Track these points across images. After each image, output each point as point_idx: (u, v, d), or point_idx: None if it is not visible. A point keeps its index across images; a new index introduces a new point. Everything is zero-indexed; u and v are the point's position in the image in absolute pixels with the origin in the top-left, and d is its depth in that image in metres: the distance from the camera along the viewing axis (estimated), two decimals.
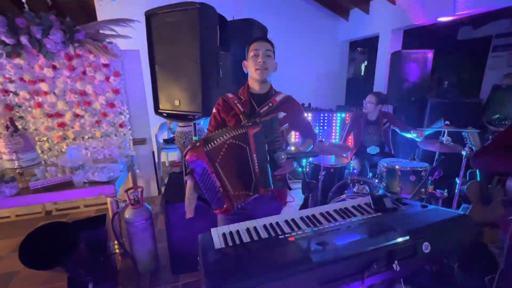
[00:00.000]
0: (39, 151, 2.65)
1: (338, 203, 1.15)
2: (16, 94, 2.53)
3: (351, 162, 3.00)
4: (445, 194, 2.05)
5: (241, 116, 1.26)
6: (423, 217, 0.94)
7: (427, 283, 1.78)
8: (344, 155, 2.96)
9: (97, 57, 2.62)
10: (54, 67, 2.55)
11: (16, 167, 1.96)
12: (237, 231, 0.93)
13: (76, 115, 2.72)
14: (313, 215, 1.04)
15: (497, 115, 3.28)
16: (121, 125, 2.89)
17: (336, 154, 2.66)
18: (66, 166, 2.05)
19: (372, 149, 2.86)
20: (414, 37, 4.20)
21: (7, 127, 1.99)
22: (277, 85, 1.39)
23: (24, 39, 2.29)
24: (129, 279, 2.00)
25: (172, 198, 1.95)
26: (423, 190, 2.13)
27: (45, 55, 2.43)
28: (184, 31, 1.63)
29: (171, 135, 4.05)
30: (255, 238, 0.88)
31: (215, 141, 1.05)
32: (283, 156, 1.11)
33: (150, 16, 1.76)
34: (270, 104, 1.28)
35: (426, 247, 0.79)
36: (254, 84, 1.31)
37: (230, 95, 1.33)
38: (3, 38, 2.25)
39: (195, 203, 1.16)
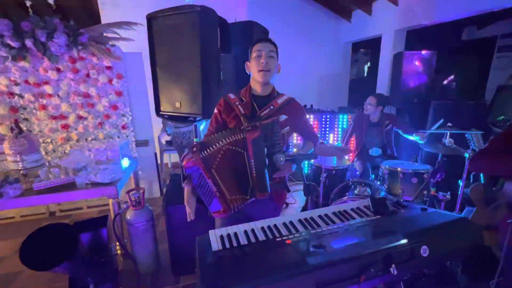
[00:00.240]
0: (43, 153, 2.69)
1: (337, 205, 1.14)
2: (21, 96, 2.57)
3: (354, 163, 2.98)
4: (447, 196, 2.03)
5: (241, 118, 1.26)
6: (422, 220, 0.93)
7: (429, 287, 1.76)
8: (346, 157, 2.94)
9: (100, 59, 2.66)
10: (58, 70, 2.59)
11: (20, 168, 1.99)
12: (235, 233, 0.93)
13: (80, 117, 2.76)
14: (312, 218, 1.03)
15: (502, 117, 3.24)
16: (123, 127, 2.92)
17: (337, 156, 2.65)
18: (69, 168, 2.07)
19: (374, 151, 2.85)
20: (417, 38, 4.18)
21: (11, 129, 2.02)
22: (280, 86, 1.38)
23: (29, 43, 2.33)
24: (130, 280, 2.01)
25: (173, 200, 1.96)
26: (425, 192, 2.10)
27: (49, 58, 2.47)
28: (185, 34, 1.64)
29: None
30: (253, 240, 0.88)
31: (211, 147, 1.05)
32: (281, 159, 1.11)
33: (151, 19, 1.78)
34: (271, 107, 1.27)
35: (424, 251, 0.79)
36: (256, 86, 1.31)
37: (232, 96, 1.33)
38: (9, 42, 2.29)
39: (195, 206, 1.17)
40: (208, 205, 1.11)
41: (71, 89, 2.68)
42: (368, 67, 6.54)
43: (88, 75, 2.69)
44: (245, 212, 1.27)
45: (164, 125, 3.32)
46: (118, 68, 2.76)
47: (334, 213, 1.07)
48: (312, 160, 2.94)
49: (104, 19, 3.75)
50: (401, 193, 2.18)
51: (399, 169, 2.20)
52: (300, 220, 1.02)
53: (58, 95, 2.66)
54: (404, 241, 0.79)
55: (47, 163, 2.54)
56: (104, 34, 2.65)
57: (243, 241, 0.88)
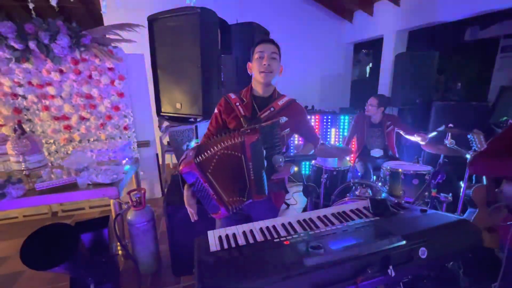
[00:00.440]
0: (46, 153, 2.72)
1: (337, 206, 1.14)
2: (24, 97, 2.60)
3: (355, 164, 2.97)
4: (449, 198, 2.01)
5: (241, 119, 1.25)
6: (421, 222, 0.93)
7: None
8: (348, 158, 2.94)
9: (103, 61, 2.68)
10: (61, 71, 2.61)
11: (23, 169, 2.00)
12: (234, 234, 0.93)
13: (82, 118, 2.78)
14: (310, 219, 1.03)
15: (505, 118, 3.21)
16: (125, 128, 2.94)
17: (337, 156, 2.64)
18: (71, 168, 2.09)
19: (376, 152, 2.83)
20: (420, 38, 4.16)
21: (14, 130, 2.04)
22: (281, 87, 1.37)
23: (32, 44, 2.35)
24: (131, 280, 2.02)
25: (174, 200, 1.97)
26: (426, 194, 2.09)
27: (52, 60, 2.50)
28: (185, 35, 1.66)
29: None
30: (251, 241, 0.88)
31: (207, 152, 1.05)
32: (280, 160, 1.11)
33: (152, 21, 1.79)
34: (272, 109, 1.26)
35: (422, 253, 0.78)
36: (257, 87, 1.29)
37: (232, 96, 1.32)
38: (12, 44, 2.32)
39: (195, 208, 1.18)
40: (206, 207, 1.12)
41: (73, 90, 2.70)
42: (370, 68, 6.52)
43: (90, 77, 2.71)
44: (244, 211, 1.27)
45: (160, 123, 3.32)
46: (120, 70, 2.78)
47: (333, 214, 1.06)
48: (313, 161, 2.94)
49: (107, 21, 3.78)
50: (402, 194, 2.17)
51: (400, 170, 2.19)
52: (298, 221, 1.02)
53: (61, 96, 2.69)
54: (402, 242, 0.78)
55: (49, 164, 2.56)
56: (107, 36, 2.67)
57: (242, 242, 0.88)
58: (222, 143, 1.06)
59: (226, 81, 1.92)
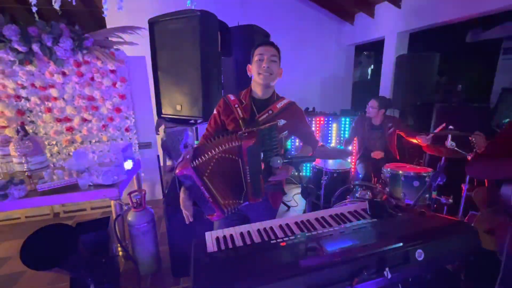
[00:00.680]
0: (48, 155, 2.74)
1: (335, 208, 1.14)
2: (27, 99, 2.63)
3: (356, 166, 2.97)
4: (450, 200, 2.00)
5: (240, 121, 1.26)
6: (418, 224, 0.93)
7: None
8: (349, 159, 2.93)
9: (105, 63, 2.71)
10: (63, 74, 2.64)
11: (25, 170, 2.03)
12: (231, 235, 0.94)
13: (84, 120, 2.81)
14: (308, 220, 1.04)
15: (507, 120, 3.19)
16: (127, 129, 2.96)
17: (336, 158, 2.63)
18: (72, 169, 2.11)
19: (377, 154, 2.83)
20: (421, 40, 4.16)
21: (17, 131, 2.07)
22: (283, 89, 1.37)
23: (35, 47, 2.39)
24: (131, 281, 2.02)
25: (174, 202, 1.97)
26: (427, 196, 2.08)
27: (55, 62, 2.53)
28: (185, 38, 1.67)
29: None
30: (248, 242, 0.89)
31: (204, 156, 1.05)
32: (278, 161, 1.11)
33: (153, 23, 1.81)
34: (270, 112, 1.27)
35: (419, 255, 0.78)
36: (257, 88, 1.30)
37: (232, 97, 1.32)
38: (16, 46, 2.35)
39: (191, 210, 1.17)
40: (202, 208, 1.12)
41: (76, 92, 2.73)
42: (372, 70, 6.52)
43: (92, 79, 2.74)
44: (241, 213, 1.27)
45: (157, 125, 3.33)
46: (121, 72, 2.81)
47: (330, 216, 1.07)
48: (313, 163, 2.94)
49: (109, 24, 3.82)
50: (403, 196, 2.16)
51: (400, 172, 2.18)
52: (296, 223, 1.02)
53: (63, 98, 2.71)
54: (398, 244, 0.78)
55: (52, 165, 2.59)
56: (109, 39, 2.70)
57: (239, 243, 0.88)
58: (219, 147, 1.06)
59: (226, 83, 1.93)
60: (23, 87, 2.59)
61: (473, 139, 1.94)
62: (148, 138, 3.21)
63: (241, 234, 0.95)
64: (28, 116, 2.67)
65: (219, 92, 1.85)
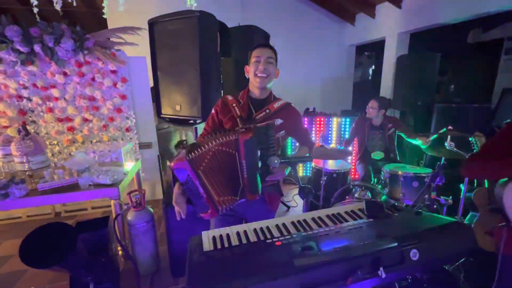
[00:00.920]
0: (50, 154, 2.77)
1: (332, 208, 1.14)
2: (29, 99, 2.65)
3: (356, 166, 2.96)
4: (449, 201, 1.99)
5: (237, 119, 1.28)
6: (414, 224, 0.93)
7: None
8: (349, 160, 2.93)
9: (105, 63, 2.72)
10: (65, 74, 2.66)
11: (26, 169, 2.04)
12: (227, 234, 0.94)
13: (85, 120, 2.83)
14: (304, 220, 1.04)
15: (508, 120, 3.17)
16: (127, 129, 2.98)
17: (337, 158, 2.63)
18: (73, 169, 2.12)
19: (377, 154, 2.82)
20: (422, 40, 4.15)
21: (19, 131, 2.09)
22: (283, 89, 1.39)
23: (37, 47, 2.41)
24: (131, 280, 2.03)
25: None
26: (426, 196, 2.07)
27: (56, 62, 2.55)
28: (185, 38, 1.68)
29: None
30: (244, 241, 0.89)
31: (200, 149, 1.05)
32: (276, 161, 1.12)
33: (152, 24, 1.82)
34: (267, 111, 1.29)
35: (414, 255, 0.78)
36: (254, 89, 1.33)
37: (229, 97, 1.35)
38: (18, 47, 2.38)
39: (185, 206, 1.17)
40: (195, 205, 1.12)
41: (77, 92, 2.75)
42: (373, 70, 6.50)
43: (93, 79, 2.76)
44: (238, 213, 1.28)
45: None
46: (122, 72, 2.83)
47: (327, 216, 1.07)
48: (313, 163, 2.94)
49: (110, 25, 3.84)
50: (402, 197, 2.16)
51: (400, 172, 2.18)
52: (292, 222, 1.02)
53: (65, 98, 2.74)
54: (393, 244, 0.78)
55: (53, 164, 2.61)
56: (110, 39, 2.72)
57: (235, 242, 0.89)
58: (216, 140, 1.07)
59: (225, 84, 1.94)
60: (25, 87, 2.62)
61: (473, 139, 1.94)
62: (148, 138, 3.22)
63: (238, 233, 0.95)
64: (30, 116, 2.70)
65: (218, 93, 1.85)
